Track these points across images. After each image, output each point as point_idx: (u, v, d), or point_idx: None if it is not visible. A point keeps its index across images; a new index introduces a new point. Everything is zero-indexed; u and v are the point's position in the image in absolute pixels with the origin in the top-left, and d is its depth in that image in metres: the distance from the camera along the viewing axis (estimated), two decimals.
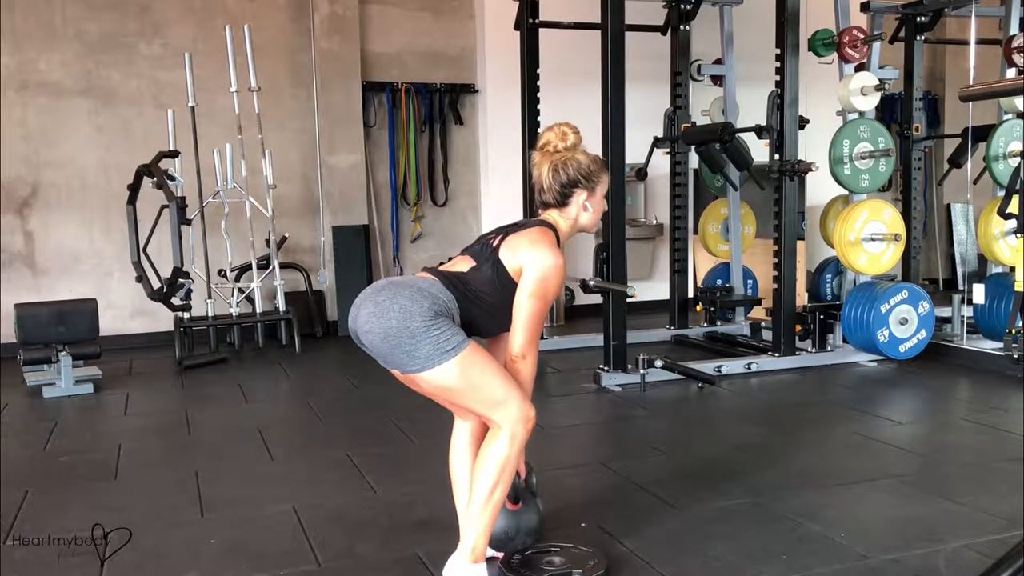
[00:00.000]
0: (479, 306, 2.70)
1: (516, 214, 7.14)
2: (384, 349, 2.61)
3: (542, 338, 6.92)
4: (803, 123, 6.22)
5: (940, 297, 7.31)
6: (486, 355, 2.68)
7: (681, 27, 7.17)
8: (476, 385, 2.63)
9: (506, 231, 2.76)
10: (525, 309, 2.66)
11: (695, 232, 7.83)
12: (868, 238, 6.20)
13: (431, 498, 3.27)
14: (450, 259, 2.92)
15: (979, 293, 6.24)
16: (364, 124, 8.18)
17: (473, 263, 2.74)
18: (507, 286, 2.69)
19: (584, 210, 2.81)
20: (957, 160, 7.02)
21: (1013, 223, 5.72)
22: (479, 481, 2.67)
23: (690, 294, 7.76)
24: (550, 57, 7.15)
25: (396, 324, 2.56)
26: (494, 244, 2.73)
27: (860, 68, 6.41)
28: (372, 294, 2.66)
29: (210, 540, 3.31)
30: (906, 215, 6.76)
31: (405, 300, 2.58)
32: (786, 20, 5.98)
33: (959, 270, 8.55)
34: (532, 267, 2.65)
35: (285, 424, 5.24)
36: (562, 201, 2.79)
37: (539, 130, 2.81)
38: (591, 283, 5.72)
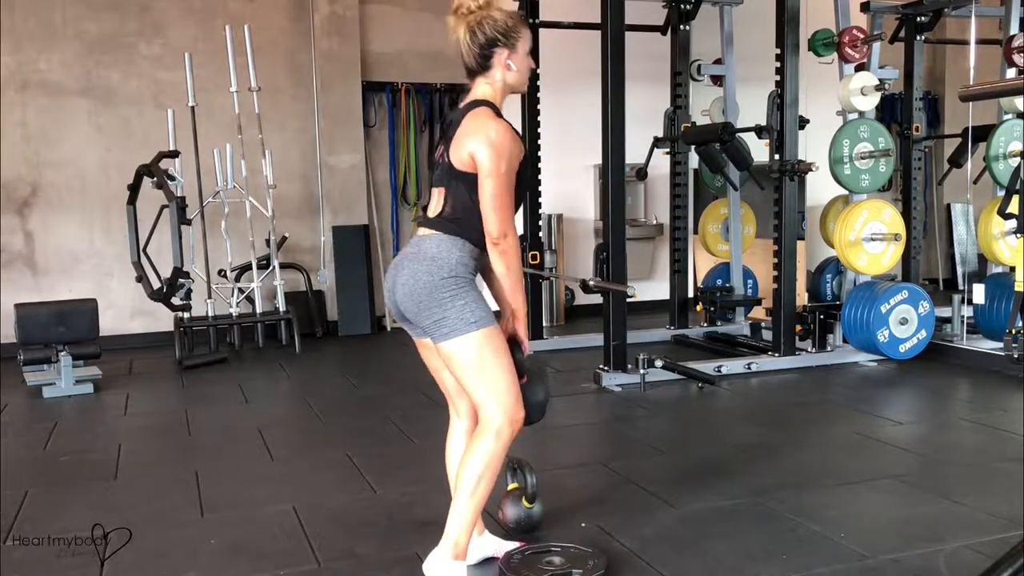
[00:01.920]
0: (479, 219, 2.67)
1: (517, 215, 7.06)
2: (421, 318, 2.67)
3: (542, 338, 7.05)
4: (803, 123, 6.21)
5: (940, 297, 7.31)
6: (504, 344, 2.70)
7: (681, 27, 7.17)
8: (484, 367, 2.65)
9: (448, 136, 2.72)
10: (487, 190, 2.61)
11: (695, 232, 7.82)
12: (868, 238, 6.19)
13: (431, 498, 3.27)
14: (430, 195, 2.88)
15: (979, 293, 6.23)
16: (364, 124, 8.19)
17: (444, 190, 2.73)
18: (476, 189, 2.67)
19: (508, 69, 2.71)
20: (957, 160, 7.01)
21: (1013, 223, 5.72)
22: (463, 477, 2.68)
23: (690, 294, 7.76)
24: (550, 57, 7.05)
25: (425, 297, 2.63)
26: (445, 159, 2.70)
27: (860, 68, 6.40)
28: (396, 273, 2.72)
29: (210, 540, 3.31)
30: (906, 215, 6.74)
31: (425, 277, 2.64)
32: (786, 20, 5.98)
33: (959, 270, 8.56)
34: (479, 150, 2.60)
35: (285, 424, 5.24)
36: (483, 64, 2.70)
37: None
38: (591, 283, 5.71)
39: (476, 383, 2.67)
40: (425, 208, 2.84)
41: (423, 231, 2.75)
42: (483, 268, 2.80)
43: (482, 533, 3.06)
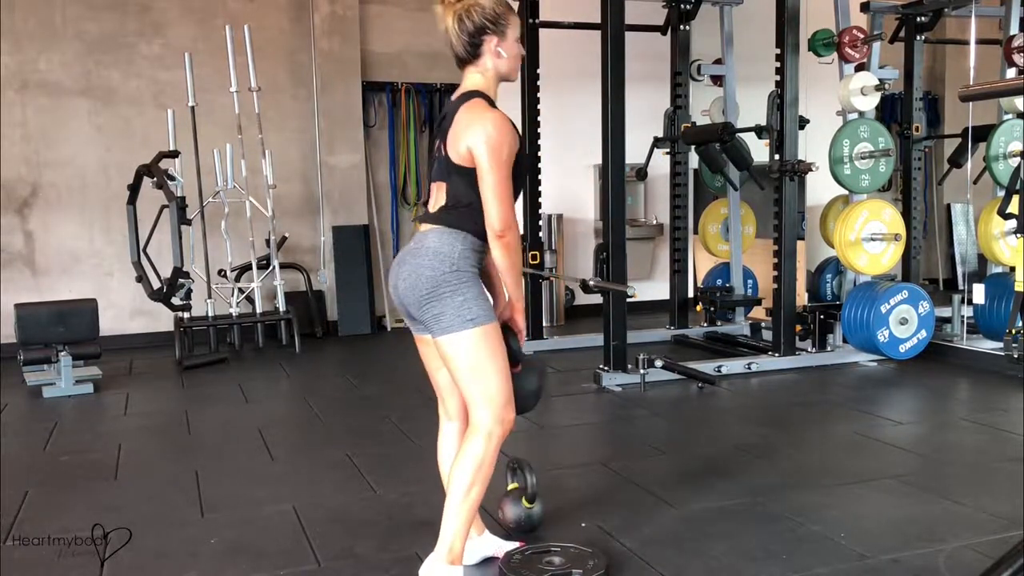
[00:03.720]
0: (481, 212, 2.66)
1: (516, 214, 7.09)
2: (423, 312, 2.66)
3: (543, 338, 7.05)
4: (803, 123, 6.22)
5: (940, 297, 7.31)
6: (501, 345, 2.68)
7: (681, 27, 7.18)
8: (478, 366, 2.64)
9: (443, 129, 2.71)
10: (488, 184, 2.60)
11: (695, 232, 7.83)
12: (868, 238, 6.19)
13: (431, 498, 3.25)
14: (429, 191, 2.88)
15: (979, 293, 6.24)
16: (364, 124, 8.19)
17: (444, 184, 2.71)
18: (476, 182, 2.65)
19: (498, 56, 2.70)
20: (957, 160, 7.01)
21: (1013, 223, 5.71)
22: (455, 481, 2.67)
23: (690, 294, 7.76)
24: (550, 57, 7.15)
25: (427, 291, 2.62)
26: (443, 153, 2.69)
27: (860, 68, 6.41)
28: (398, 270, 2.71)
29: (210, 540, 3.30)
30: (906, 215, 6.74)
31: (428, 270, 2.63)
32: (786, 20, 5.97)
33: (959, 270, 8.58)
34: (476, 143, 2.59)
35: (285, 424, 5.23)
36: (473, 52, 2.69)
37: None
38: (591, 283, 5.71)
39: (469, 382, 2.66)
40: (426, 204, 2.81)
41: (425, 227, 2.74)
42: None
43: (482, 533, 3.05)
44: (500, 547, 3.05)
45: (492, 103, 2.69)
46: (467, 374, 2.65)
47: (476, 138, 2.59)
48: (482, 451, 2.65)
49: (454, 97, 2.74)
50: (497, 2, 2.70)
